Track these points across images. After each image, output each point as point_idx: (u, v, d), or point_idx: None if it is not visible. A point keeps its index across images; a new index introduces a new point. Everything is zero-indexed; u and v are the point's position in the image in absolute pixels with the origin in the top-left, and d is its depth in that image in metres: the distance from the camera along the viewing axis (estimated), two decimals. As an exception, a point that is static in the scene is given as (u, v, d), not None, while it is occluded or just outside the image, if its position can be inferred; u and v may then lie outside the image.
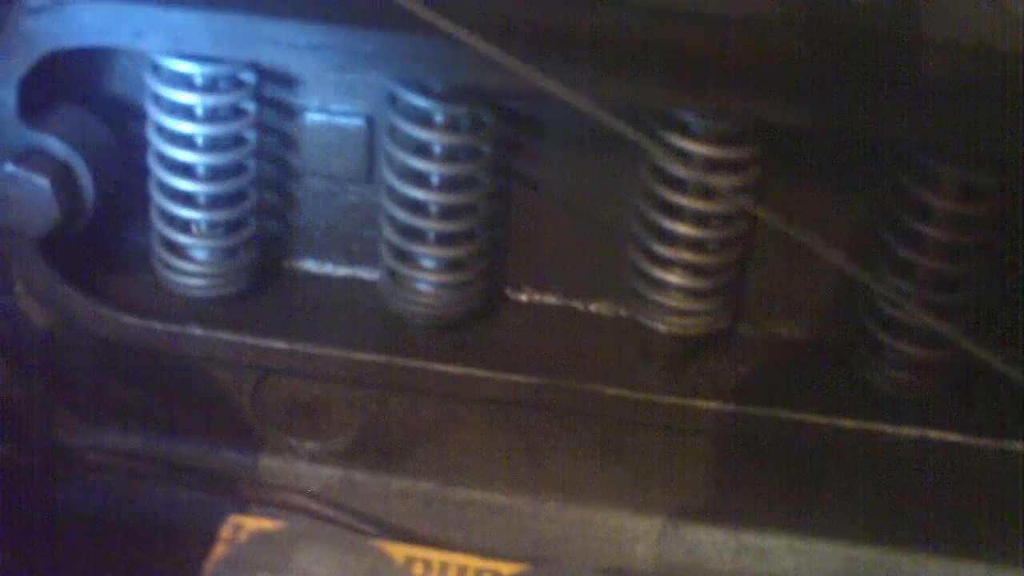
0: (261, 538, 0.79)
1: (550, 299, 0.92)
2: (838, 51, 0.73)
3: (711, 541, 0.91)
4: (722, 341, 0.90)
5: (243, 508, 0.82)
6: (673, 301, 0.86)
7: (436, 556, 0.81)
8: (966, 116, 0.75)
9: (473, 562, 0.81)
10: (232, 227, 0.89)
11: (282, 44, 0.79)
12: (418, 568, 0.79)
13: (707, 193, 0.82)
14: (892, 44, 0.73)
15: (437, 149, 0.84)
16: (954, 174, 0.80)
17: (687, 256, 0.84)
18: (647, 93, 0.77)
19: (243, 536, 0.80)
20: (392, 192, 0.86)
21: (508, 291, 0.92)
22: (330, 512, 0.86)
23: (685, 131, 0.81)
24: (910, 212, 0.82)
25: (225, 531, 0.81)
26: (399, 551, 0.81)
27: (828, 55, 0.74)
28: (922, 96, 0.74)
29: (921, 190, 0.81)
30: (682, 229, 0.83)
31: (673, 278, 0.85)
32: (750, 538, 0.91)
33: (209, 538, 0.80)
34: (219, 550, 0.80)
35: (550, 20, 0.74)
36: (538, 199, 0.89)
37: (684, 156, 0.81)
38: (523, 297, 0.92)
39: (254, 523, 0.81)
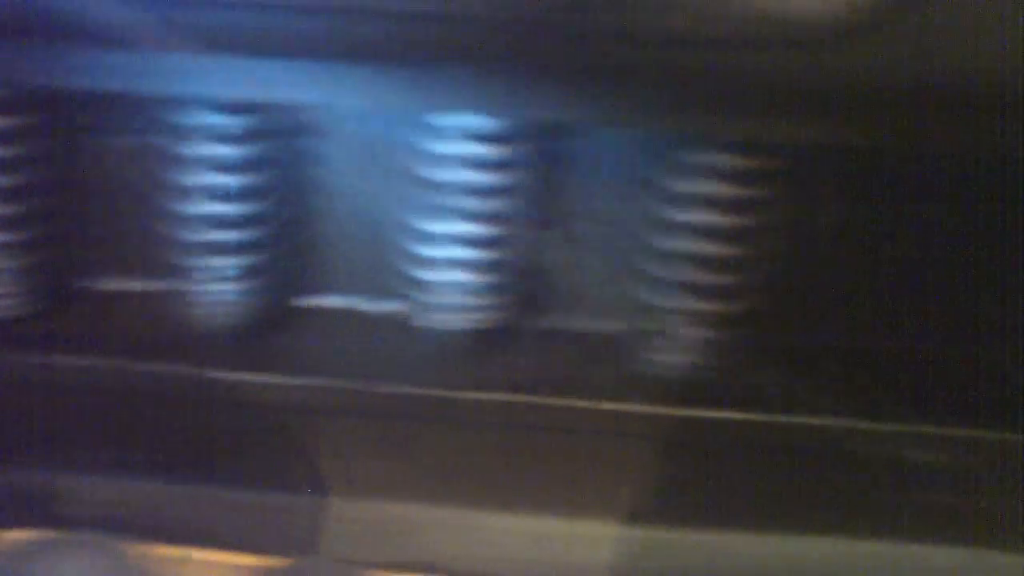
0: (12, 550, 0.79)
1: (337, 303, 0.94)
2: (575, 47, 0.76)
3: (503, 530, 0.93)
4: (509, 335, 0.92)
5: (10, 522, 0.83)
6: (451, 299, 0.89)
7: (205, 556, 0.82)
8: (712, 105, 0.78)
9: (243, 560, 0.82)
10: (26, 248, 0.90)
11: (61, 66, 0.81)
12: (192, 569, 0.81)
13: (468, 191, 0.85)
14: (617, 38, 0.75)
15: (216, 160, 0.86)
16: (704, 160, 0.83)
17: (458, 254, 0.87)
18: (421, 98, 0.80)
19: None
20: (177, 206, 0.88)
21: (296, 298, 0.94)
22: (98, 520, 0.87)
23: (456, 135, 0.85)
24: (668, 200, 0.85)
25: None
26: (164, 552, 0.82)
27: (565, 51, 0.76)
28: (666, 87, 0.77)
29: (673, 176, 0.84)
30: (446, 228, 0.86)
31: (447, 276, 0.88)
32: (542, 525, 0.93)
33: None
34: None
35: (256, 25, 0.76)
36: (322, 205, 0.91)
37: (442, 156, 0.85)
38: (311, 303, 0.94)
39: (12, 535, 0.81)
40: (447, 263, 0.88)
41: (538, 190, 0.89)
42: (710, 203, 0.84)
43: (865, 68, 0.72)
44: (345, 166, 0.90)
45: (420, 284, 0.89)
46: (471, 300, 0.89)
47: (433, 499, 0.92)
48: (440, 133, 0.85)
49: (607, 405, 0.88)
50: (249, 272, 0.90)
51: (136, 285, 0.95)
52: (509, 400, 0.88)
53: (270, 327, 0.92)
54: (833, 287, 0.92)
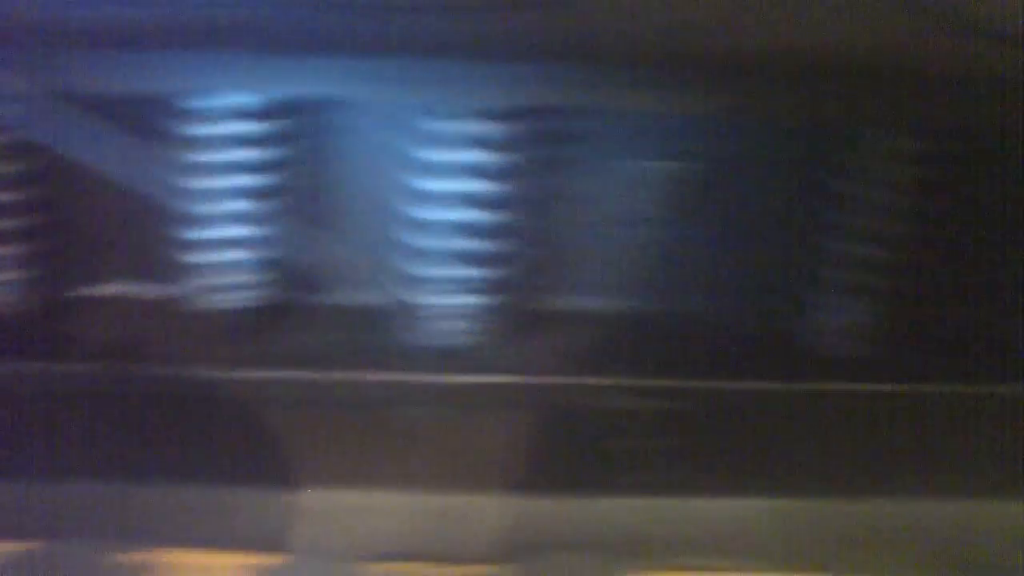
0: None
1: (111, 291, 0.95)
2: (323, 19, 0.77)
3: (279, 509, 0.94)
4: (280, 313, 0.94)
5: None
6: (220, 280, 0.91)
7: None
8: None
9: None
10: None
11: None
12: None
13: (228, 169, 0.87)
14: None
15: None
16: (455, 128, 0.87)
17: (223, 233, 0.89)
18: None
19: None
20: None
21: (71, 288, 0.95)
22: None
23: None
24: (424, 170, 0.88)
25: None
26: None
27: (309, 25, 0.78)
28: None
29: (427, 146, 0.87)
30: (209, 209, 0.88)
31: (214, 257, 0.90)
32: (323, 499, 0.95)
33: None
34: None
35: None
36: (91, 192, 0.92)
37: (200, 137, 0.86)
38: (86, 292, 0.95)
39: None
40: (213, 244, 0.89)
41: (302, 166, 0.90)
42: (463, 171, 0.87)
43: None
44: (114, 153, 0.91)
45: (190, 267, 0.91)
46: (240, 280, 0.91)
47: (214, 479, 0.94)
48: (196, 114, 0.86)
49: (377, 376, 0.91)
50: (23, 262, 0.91)
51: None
52: (280, 376, 0.90)
53: (46, 317, 0.93)
54: (589, 252, 0.95)
